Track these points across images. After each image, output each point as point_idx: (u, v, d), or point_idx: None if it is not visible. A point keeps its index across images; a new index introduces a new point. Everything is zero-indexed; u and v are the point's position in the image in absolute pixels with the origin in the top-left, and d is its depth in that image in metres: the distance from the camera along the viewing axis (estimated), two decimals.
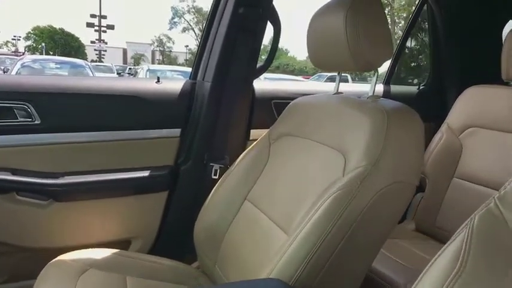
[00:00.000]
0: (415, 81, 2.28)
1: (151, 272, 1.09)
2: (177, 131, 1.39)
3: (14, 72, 7.83)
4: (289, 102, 1.14)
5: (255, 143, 1.17)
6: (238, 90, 1.40)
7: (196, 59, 1.49)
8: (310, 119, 1.02)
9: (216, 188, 1.16)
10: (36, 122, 1.22)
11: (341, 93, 1.08)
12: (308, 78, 15.04)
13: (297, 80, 8.43)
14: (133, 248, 1.36)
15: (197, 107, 1.40)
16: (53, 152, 1.25)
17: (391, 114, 0.84)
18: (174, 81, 1.45)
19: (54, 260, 1.04)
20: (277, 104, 1.49)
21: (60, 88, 1.28)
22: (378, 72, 0.96)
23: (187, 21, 46.97)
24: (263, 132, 1.16)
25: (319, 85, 1.84)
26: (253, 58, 1.39)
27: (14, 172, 1.20)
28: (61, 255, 1.06)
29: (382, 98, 0.95)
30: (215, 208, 1.12)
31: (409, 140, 0.84)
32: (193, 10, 46.57)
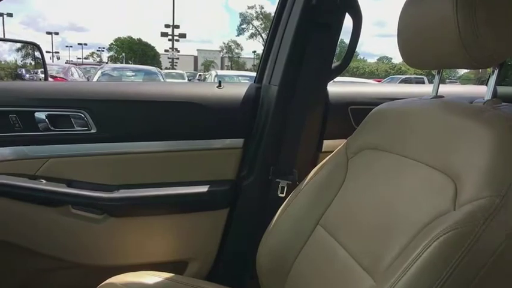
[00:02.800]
0: None
1: None
2: (239, 141, 1.25)
3: (95, 80, 8.47)
4: (370, 109, 0.96)
5: (329, 156, 1.00)
6: (309, 95, 1.22)
7: (262, 61, 1.34)
8: (401, 130, 0.83)
9: (282, 208, 1.01)
10: (92, 131, 1.16)
11: (442, 96, 0.86)
12: (380, 81, 14.41)
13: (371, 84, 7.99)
14: (189, 272, 1.25)
15: (262, 113, 1.25)
16: (108, 163, 1.18)
17: None
18: (236, 86, 1.32)
19: (105, 282, 0.96)
20: (356, 110, 1.28)
21: (116, 95, 1.20)
22: (497, 69, 0.73)
23: (255, 27, 47.83)
24: (338, 143, 0.99)
25: (407, 87, 1.58)
26: (328, 57, 1.20)
27: (69, 184, 1.15)
28: (112, 278, 0.98)
29: (505, 104, 0.72)
30: (281, 232, 0.98)
31: None
32: (261, 16, 47.36)
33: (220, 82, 1.27)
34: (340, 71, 1.23)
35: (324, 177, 0.96)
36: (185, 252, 1.25)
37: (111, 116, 1.18)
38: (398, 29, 0.83)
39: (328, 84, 1.27)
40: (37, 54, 1.78)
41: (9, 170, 1.11)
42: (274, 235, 0.99)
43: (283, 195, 1.18)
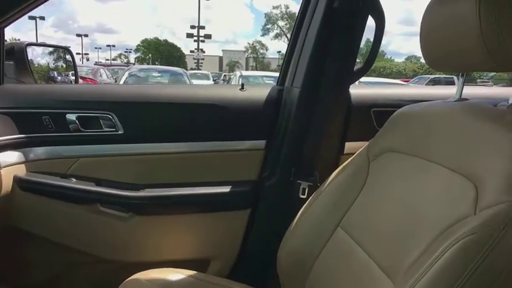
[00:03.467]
0: None
1: None
2: (261, 143, 1.27)
3: (122, 81, 8.67)
4: (392, 111, 0.96)
5: (350, 158, 1.01)
6: (331, 97, 1.22)
7: (284, 63, 1.36)
8: (423, 133, 0.82)
9: (303, 210, 1.02)
10: (119, 132, 1.20)
11: (466, 99, 0.85)
12: (407, 81, 14.11)
13: (398, 84, 7.80)
14: (211, 270, 1.27)
15: (284, 115, 1.26)
16: (134, 163, 1.23)
17: None
18: (259, 88, 1.34)
19: (130, 278, 1.00)
20: (378, 112, 1.27)
21: (142, 97, 1.25)
22: None
23: (280, 27, 47.73)
24: (361, 145, 1.00)
25: (431, 89, 1.56)
26: (350, 59, 1.20)
27: (98, 183, 1.20)
28: (137, 274, 1.02)
29: None
30: (302, 233, 0.99)
31: None
32: (286, 16, 47.21)
33: (243, 85, 1.29)
34: (363, 73, 1.23)
35: (345, 179, 0.96)
36: (207, 251, 1.28)
37: (138, 117, 1.22)
38: (421, 32, 0.83)
39: (351, 86, 1.28)
40: (68, 57, 1.86)
41: (43, 169, 1.17)
42: (295, 236, 1.00)
43: (304, 196, 1.19)
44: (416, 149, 0.82)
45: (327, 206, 0.97)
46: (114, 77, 13.21)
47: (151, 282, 0.98)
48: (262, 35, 54.45)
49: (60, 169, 1.18)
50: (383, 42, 1.26)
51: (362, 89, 1.35)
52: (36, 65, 1.45)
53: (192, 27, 34.42)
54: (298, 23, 1.31)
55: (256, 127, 1.27)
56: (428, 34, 0.82)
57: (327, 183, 0.99)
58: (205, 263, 1.28)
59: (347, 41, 1.18)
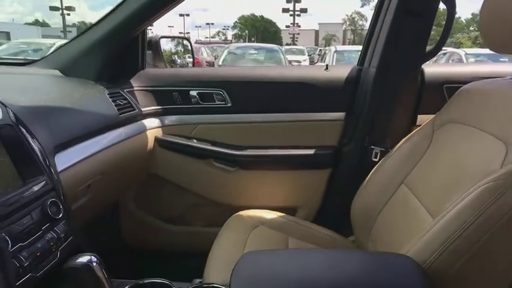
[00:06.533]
0: None
1: (311, 238, 1.24)
2: (341, 115, 1.50)
3: (222, 59, 9.24)
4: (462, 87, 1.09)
5: (417, 128, 1.17)
6: (404, 76, 1.39)
7: (365, 45, 1.55)
8: (480, 106, 0.96)
9: (374, 170, 1.22)
10: (228, 105, 1.53)
11: None
12: None
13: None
14: (298, 215, 1.56)
15: (361, 93, 1.47)
16: (240, 129, 1.54)
17: None
18: (341, 68, 1.55)
19: (235, 214, 1.32)
20: (450, 88, 1.40)
21: (246, 77, 1.56)
22: None
23: None
24: (432, 118, 1.15)
25: (502, 66, 1.61)
26: (422, 43, 1.35)
27: (213, 143, 1.54)
28: (240, 212, 1.33)
29: None
30: (372, 189, 1.19)
31: None
32: None
33: (327, 66, 1.53)
34: (434, 54, 1.37)
35: (410, 146, 1.14)
36: (295, 200, 1.57)
37: (242, 93, 1.53)
38: (481, 15, 0.92)
39: (425, 65, 1.43)
40: (186, 43, 2.27)
41: (173, 132, 1.54)
42: (366, 191, 1.21)
43: (376, 159, 1.39)
44: (472, 120, 0.96)
45: (394, 166, 1.15)
46: (214, 55, 13.80)
47: (251, 218, 1.28)
48: (362, 6, 51.74)
49: (185, 132, 1.54)
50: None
51: (435, 67, 1.49)
52: (163, 51, 1.84)
53: (288, 1, 34.16)
54: (378, 8, 1.48)
55: (338, 101, 1.50)
56: (490, 18, 0.91)
57: (396, 148, 1.18)
58: (293, 210, 1.56)
59: (419, 25, 1.33)
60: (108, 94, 1.31)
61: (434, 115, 1.14)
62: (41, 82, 1.24)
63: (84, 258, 0.66)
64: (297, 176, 1.54)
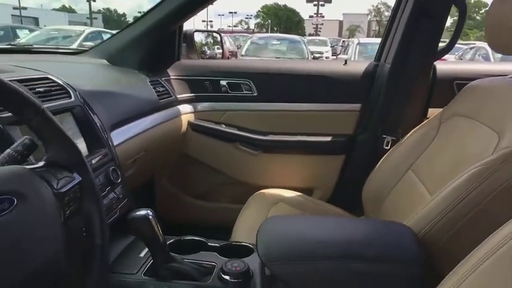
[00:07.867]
0: None
1: (325, 215, 1.38)
2: (357, 106, 1.64)
3: (245, 49, 9.30)
4: None
5: (427, 120, 1.28)
6: (416, 73, 1.51)
7: (382, 42, 1.67)
8: (484, 101, 1.04)
9: (385, 157, 1.34)
10: (254, 94, 1.68)
11: None
12: None
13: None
14: (314, 196, 1.70)
15: (377, 86, 1.60)
16: (263, 116, 1.70)
17: None
18: (359, 63, 1.69)
19: (257, 192, 1.47)
20: (460, 84, 1.49)
21: (270, 69, 1.71)
22: None
23: None
24: (440, 111, 1.23)
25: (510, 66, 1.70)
26: (434, 42, 1.46)
27: (239, 129, 1.70)
28: (262, 190, 1.48)
29: None
30: (382, 174, 1.31)
31: None
32: None
33: (346, 61, 1.67)
34: (445, 52, 1.48)
35: (420, 135, 1.25)
36: (311, 182, 1.72)
37: (267, 84, 1.68)
38: (488, 19, 0.98)
39: (437, 62, 1.55)
40: (215, 35, 2.42)
41: (204, 117, 1.71)
42: (377, 176, 1.33)
43: (387, 148, 1.51)
44: (473, 114, 1.06)
45: (403, 154, 1.26)
46: (236, 44, 13.74)
47: (271, 195, 1.43)
48: None
49: (215, 118, 1.70)
50: None
51: (447, 65, 1.61)
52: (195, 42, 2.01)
53: None
54: (395, 9, 1.60)
55: (355, 94, 1.63)
56: (495, 21, 0.97)
57: (406, 137, 1.30)
58: (310, 191, 1.71)
59: (432, 26, 1.44)
60: (149, 82, 1.48)
61: (442, 109, 1.24)
62: (94, 70, 1.42)
63: (143, 211, 0.83)
64: (314, 160, 1.69)
